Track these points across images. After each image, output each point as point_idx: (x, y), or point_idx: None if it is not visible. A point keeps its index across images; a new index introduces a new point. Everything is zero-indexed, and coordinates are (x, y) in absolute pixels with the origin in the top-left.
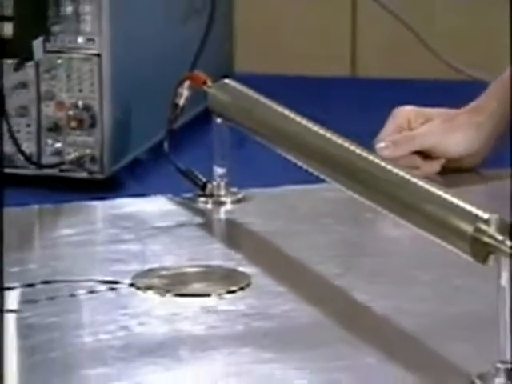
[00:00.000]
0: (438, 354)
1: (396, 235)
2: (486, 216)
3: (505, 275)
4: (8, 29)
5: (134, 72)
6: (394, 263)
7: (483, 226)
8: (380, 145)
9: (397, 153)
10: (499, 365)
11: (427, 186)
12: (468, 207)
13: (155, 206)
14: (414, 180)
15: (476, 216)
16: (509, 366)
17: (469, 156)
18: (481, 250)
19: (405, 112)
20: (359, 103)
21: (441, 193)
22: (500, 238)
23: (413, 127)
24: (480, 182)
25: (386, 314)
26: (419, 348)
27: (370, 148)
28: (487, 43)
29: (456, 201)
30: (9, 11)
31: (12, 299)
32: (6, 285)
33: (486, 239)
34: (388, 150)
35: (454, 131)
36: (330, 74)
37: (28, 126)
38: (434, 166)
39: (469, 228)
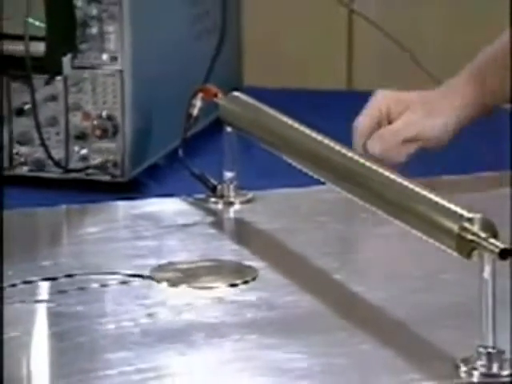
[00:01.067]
0: (426, 341)
1: (388, 233)
2: (470, 215)
3: (487, 269)
4: (40, 48)
5: (152, 86)
6: (387, 258)
7: (467, 225)
8: (371, 141)
9: (383, 147)
10: (481, 349)
11: (417, 189)
12: (454, 208)
13: (171, 206)
14: (405, 183)
15: (461, 216)
16: (490, 350)
17: (441, 139)
18: (465, 247)
19: (385, 100)
20: (355, 114)
21: (429, 195)
22: (483, 235)
23: (392, 117)
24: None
25: (380, 305)
26: (409, 335)
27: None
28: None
29: (443, 202)
30: (41, 32)
31: (43, 290)
32: (38, 277)
33: (470, 237)
34: (377, 146)
35: (434, 117)
36: (327, 87)
37: (57, 134)
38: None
39: (454, 226)
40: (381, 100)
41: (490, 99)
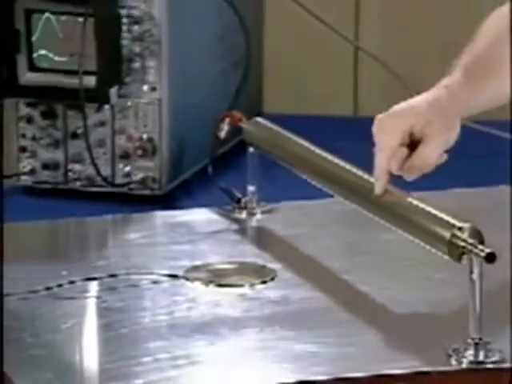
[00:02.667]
0: (423, 333)
1: (390, 239)
2: (460, 224)
3: (476, 271)
4: (92, 81)
5: (185, 112)
6: (390, 261)
7: (458, 233)
8: (406, 172)
9: (419, 174)
10: (469, 340)
11: (414, 201)
12: (446, 217)
13: (202, 216)
14: (404, 196)
15: (452, 225)
16: (477, 341)
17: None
18: (456, 252)
19: (406, 120)
20: (359, 137)
21: (425, 206)
22: (471, 241)
23: (417, 136)
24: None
25: (382, 302)
26: (408, 328)
27: (369, 171)
28: None
29: (436, 212)
30: (92, 67)
31: (93, 287)
32: (88, 276)
33: (460, 243)
34: (413, 176)
35: (453, 128)
36: (335, 113)
37: (105, 154)
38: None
39: (447, 234)
40: (401, 119)
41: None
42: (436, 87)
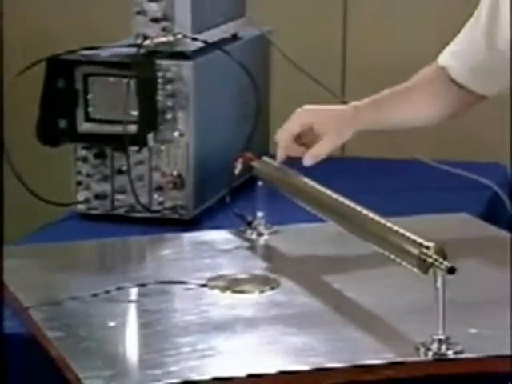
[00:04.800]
0: (396, 330)
1: (371, 255)
2: (427, 244)
3: (439, 280)
4: (133, 129)
5: (208, 153)
6: (370, 273)
7: (425, 251)
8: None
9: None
10: (435, 336)
11: (389, 224)
12: (416, 238)
13: (220, 236)
14: (383, 221)
15: (421, 244)
16: (440, 337)
17: None
18: (424, 265)
19: (306, 118)
20: (348, 175)
21: (399, 229)
22: (436, 257)
23: (316, 133)
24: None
25: (365, 305)
26: (385, 326)
27: (355, 201)
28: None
29: (408, 234)
30: (134, 118)
31: (134, 293)
32: (130, 284)
33: (427, 259)
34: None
35: (342, 138)
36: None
37: (143, 186)
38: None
39: (416, 251)
40: (302, 117)
41: (372, 126)
42: (348, 105)
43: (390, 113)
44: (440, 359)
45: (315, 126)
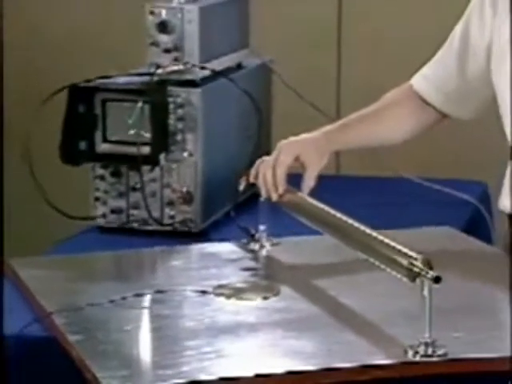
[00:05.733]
0: (387, 334)
1: (363, 265)
2: (414, 255)
3: (426, 289)
4: (146, 150)
5: (215, 171)
6: (362, 281)
7: (414, 261)
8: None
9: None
10: (422, 339)
11: (380, 237)
12: (405, 250)
13: (225, 248)
14: (375, 234)
15: (410, 256)
16: (427, 340)
17: None
18: (412, 275)
19: (294, 150)
20: (343, 192)
21: (390, 242)
22: (423, 268)
23: (302, 160)
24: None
25: (358, 311)
26: (376, 330)
27: (349, 216)
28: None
29: (399, 247)
30: (147, 140)
31: (147, 300)
32: (143, 291)
33: (415, 269)
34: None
35: (324, 159)
36: (322, 172)
37: (155, 202)
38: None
39: (405, 262)
40: (291, 149)
41: (343, 147)
42: (318, 131)
43: (359, 133)
44: (426, 361)
45: (301, 156)
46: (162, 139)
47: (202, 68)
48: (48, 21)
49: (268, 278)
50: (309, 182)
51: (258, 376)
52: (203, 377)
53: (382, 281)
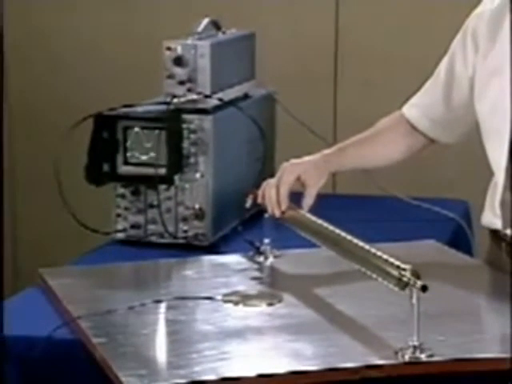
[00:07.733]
0: (379, 337)
1: (357, 275)
2: (404, 266)
3: (414, 297)
4: (163, 171)
5: (224, 190)
6: (357, 289)
7: (403, 272)
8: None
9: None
10: (410, 342)
11: (373, 250)
12: (396, 262)
13: (233, 259)
14: (368, 247)
15: (400, 267)
16: (415, 343)
17: None
18: (401, 284)
19: (296, 172)
20: (339, 209)
21: (382, 254)
22: (412, 277)
23: (303, 181)
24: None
25: (353, 316)
26: (370, 334)
27: (345, 230)
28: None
29: (390, 259)
30: (163, 162)
31: (163, 306)
32: (160, 298)
33: (404, 278)
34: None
35: (323, 179)
36: (320, 191)
37: (171, 218)
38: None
39: (396, 272)
40: (294, 171)
41: (340, 168)
42: (318, 154)
43: (354, 156)
44: (414, 362)
45: (302, 176)
46: (177, 161)
47: (213, 98)
48: (77, 58)
49: (272, 286)
50: (309, 200)
51: (261, 376)
52: (213, 376)
53: (374, 289)
